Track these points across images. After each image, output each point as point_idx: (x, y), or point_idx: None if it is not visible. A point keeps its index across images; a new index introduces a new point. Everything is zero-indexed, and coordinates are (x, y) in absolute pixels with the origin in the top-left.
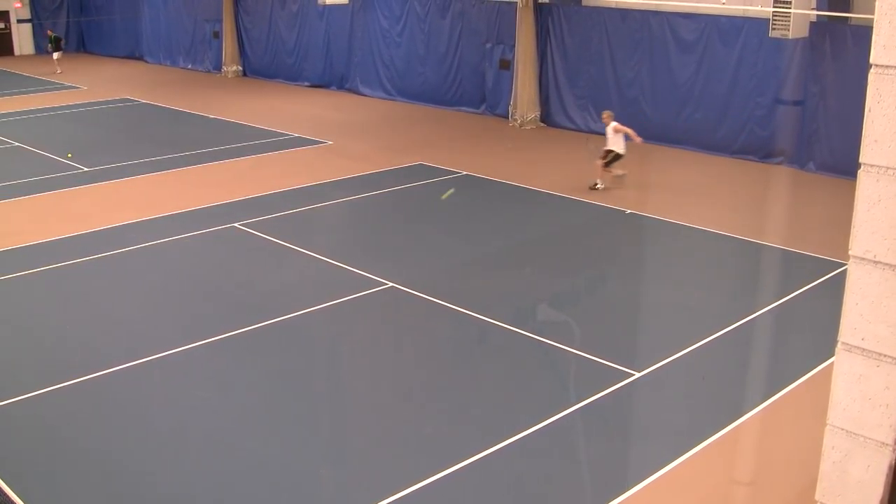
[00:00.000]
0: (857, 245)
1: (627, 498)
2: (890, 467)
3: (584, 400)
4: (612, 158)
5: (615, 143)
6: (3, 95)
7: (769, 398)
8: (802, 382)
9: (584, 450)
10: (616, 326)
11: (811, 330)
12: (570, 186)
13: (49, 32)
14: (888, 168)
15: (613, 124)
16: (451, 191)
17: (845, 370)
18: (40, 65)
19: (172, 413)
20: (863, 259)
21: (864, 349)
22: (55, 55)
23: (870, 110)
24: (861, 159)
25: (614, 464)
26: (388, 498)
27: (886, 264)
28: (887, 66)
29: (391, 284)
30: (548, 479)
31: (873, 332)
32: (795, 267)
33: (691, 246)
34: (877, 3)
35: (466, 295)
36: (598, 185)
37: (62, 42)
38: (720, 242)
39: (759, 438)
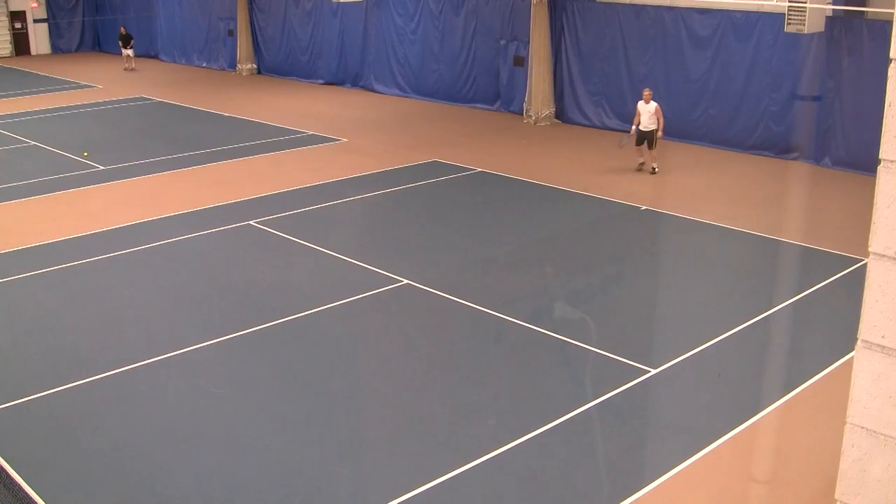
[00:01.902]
0: (876, 242)
1: (643, 495)
2: None
3: (599, 397)
4: (655, 137)
5: (653, 121)
6: (19, 95)
7: (786, 395)
8: (820, 379)
9: (600, 447)
10: (632, 323)
11: (828, 326)
12: (585, 183)
13: (122, 30)
14: None
15: (655, 104)
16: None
17: (865, 368)
18: (57, 64)
19: (188, 410)
20: (883, 256)
21: (883, 347)
22: (126, 52)
23: (890, 105)
24: (881, 155)
25: (630, 461)
26: (403, 496)
27: None
28: None
29: (406, 282)
30: (564, 476)
31: (893, 329)
32: (812, 263)
33: (707, 242)
34: None
35: (482, 292)
36: (656, 170)
37: (132, 40)
38: (736, 239)
39: (776, 436)
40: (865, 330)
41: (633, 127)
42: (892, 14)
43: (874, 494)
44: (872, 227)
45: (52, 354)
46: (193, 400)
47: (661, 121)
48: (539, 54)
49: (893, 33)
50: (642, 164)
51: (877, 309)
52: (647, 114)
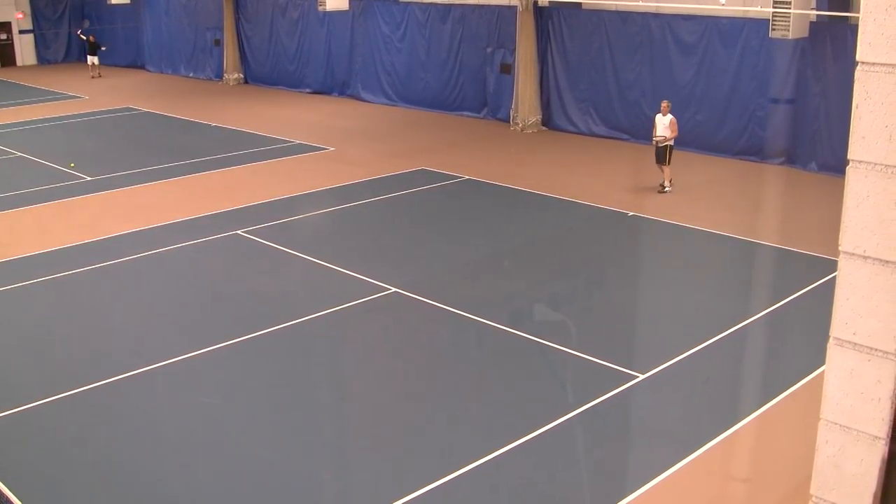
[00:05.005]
0: (846, 241)
1: (633, 500)
2: (883, 460)
3: (587, 402)
4: (670, 151)
5: (667, 133)
6: (5, 106)
7: (775, 398)
8: (807, 382)
9: (589, 453)
10: (619, 328)
11: (815, 330)
12: (572, 189)
13: (91, 38)
14: (876, 164)
15: (671, 117)
16: None
17: (837, 365)
18: (43, 75)
19: (179, 420)
20: (852, 254)
21: (855, 343)
22: (91, 59)
23: (857, 107)
24: (849, 156)
25: (619, 466)
26: (391, 503)
27: (876, 259)
28: (873, 64)
29: (394, 290)
30: (551, 482)
31: (864, 326)
32: (799, 267)
33: (695, 248)
34: (862, 3)
35: (470, 299)
36: (667, 188)
37: (100, 48)
38: (723, 244)
39: (764, 439)
40: (837, 327)
41: (654, 139)
42: None
43: (848, 489)
44: (842, 227)
45: (40, 366)
46: (183, 410)
47: (674, 133)
48: (526, 62)
49: (860, 37)
50: (663, 184)
51: (847, 307)
52: (662, 126)
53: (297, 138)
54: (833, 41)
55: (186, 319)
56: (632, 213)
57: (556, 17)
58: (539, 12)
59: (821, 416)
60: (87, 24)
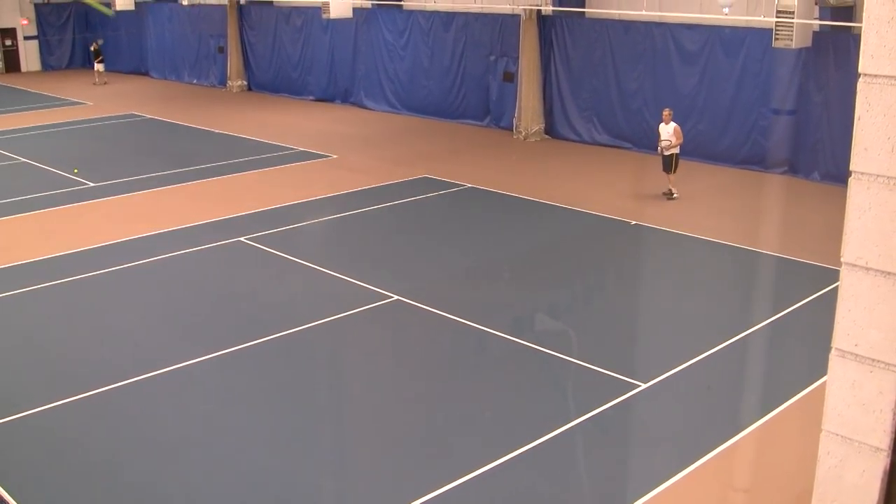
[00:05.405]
0: (848, 252)
1: None
2: (885, 472)
3: (589, 411)
4: (676, 160)
5: (674, 138)
6: (9, 112)
7: (774, 409)
8: (808, 393)
9: (592, 461)
10: (622, 337)
11: (817, 340)
12: (575, 198)
13: (93, 47)
14: (878, 175)
15: (675, 125)
16: None
17: (839, 376)
18: (47, 81)
19: (179, 426)
20: (854, 266)
21: (857, 355)
22: (97, 67)
23: (859, 118)
24: (851, 167)
25: (622, 475)
26: None
27: (878, 270)
28: (875, 76)
29: (397, 297)
30: (553, 490)
31: (866, 337)
32: (801, 277)
33: (697, 257)
34: (864, 15)
35: (473, 307)
36: (675, 195)
37: (97, 56)
38: (726, 253)
39: (765, 449)
40: (839, 338)
41: (659, 148)
42: None
43: (850, 500)
44: (844, 238)
45: (42, 371)
46: (185, 416)
47: (678, 139)
48: (529, 70)
49: (862, 49)
50: (670, 191)
51: (850, 318)
52: (666, 134)
53: (300, 145)
54: (836, 51)
55: (187, 326)
56: (634, 222)
57: (560, 26)
58: (542, 21)
59: (822, 428)
60: (101, 42)
